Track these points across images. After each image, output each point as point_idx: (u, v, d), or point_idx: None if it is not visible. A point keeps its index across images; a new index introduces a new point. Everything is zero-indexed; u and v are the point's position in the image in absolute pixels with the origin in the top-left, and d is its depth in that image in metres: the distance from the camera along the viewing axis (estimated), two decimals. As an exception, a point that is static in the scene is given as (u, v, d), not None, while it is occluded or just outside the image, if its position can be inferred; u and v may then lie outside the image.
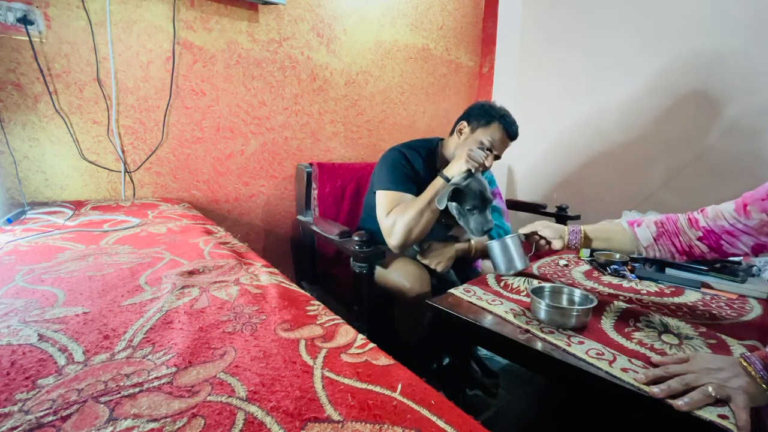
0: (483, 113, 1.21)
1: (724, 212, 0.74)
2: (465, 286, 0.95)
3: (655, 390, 0.55)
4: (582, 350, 0.66)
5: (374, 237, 1.19)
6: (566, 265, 1.15)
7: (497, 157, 1.22)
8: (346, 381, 0.42)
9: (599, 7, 1.93)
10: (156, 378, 0.40)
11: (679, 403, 0.53)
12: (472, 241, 1.27)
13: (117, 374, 0.40)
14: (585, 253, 1.24)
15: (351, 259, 1.16)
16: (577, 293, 0.83)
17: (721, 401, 0.53)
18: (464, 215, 1.07)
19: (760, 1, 1.47)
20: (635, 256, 0.88)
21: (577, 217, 1.78)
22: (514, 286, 0.95)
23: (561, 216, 1.77)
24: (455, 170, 1.09)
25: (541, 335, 0.71)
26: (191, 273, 0.69)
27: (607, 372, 0.61)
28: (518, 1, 2.29)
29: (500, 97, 2.40)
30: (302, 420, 0.36)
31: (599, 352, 0.66)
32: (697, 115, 1.65)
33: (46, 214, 1.04)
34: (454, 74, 2.37)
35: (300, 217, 1.63)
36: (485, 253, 1.24)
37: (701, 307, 0.86)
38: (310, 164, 1.60)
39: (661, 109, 1.76)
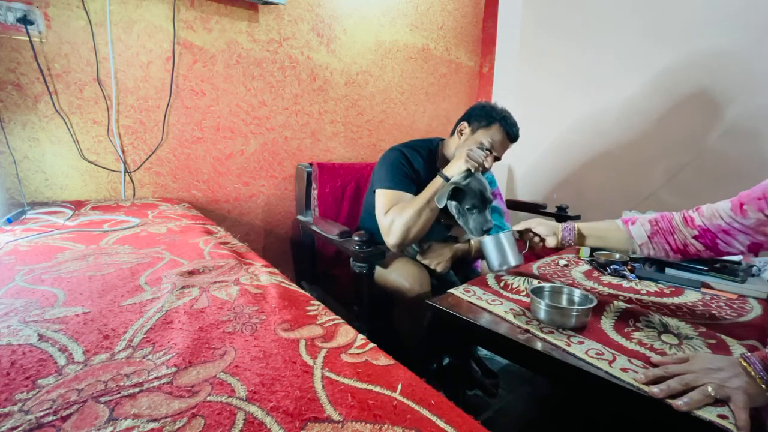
0: (484, 114, 1.21)
1: (720, 211, 0.74)
2: (465, 286, 0.95)
3: (654, 390, 0.55)
4: (582, 350, 0.66)
5: (374, 237, 1.19)
6: (566, 265, 1.15)
7: (497, 159, 1.22)
8: (346, 381, 0.42)
9: (599, 8, 1.93)
10: (156, 378, 0.40)
11: (679, 403, 0.53)
12: (472, 242, 1.27)
13: (117, 374, 0.40)
14: (585, 253, 1.24)
15: (351, 259, 1.17)
16: (577, 293, 0.83)
17: (720, 401, 0.53)
18: (464, 215, 1.07)
19: (761, 1, 1.47)
20: (631, 254, 0.88)
21: (577, 217, 1.78)
22: (513, 286, 0.95)
23: (561, 216, 1.77)
24: (454, 170, 1.09)
25: (541, 335, 0.71)
26: (191, 273, 0.69)
27: (606, 372, 0.61)
28: (518, 1, 2.29)
29: (500, 97, 2.40)
30: (302, 420, 0.36)
31: (599, 352, 0.66)
32: (697, 116, 1.65)
33: (46, 214, 1.04)
34: (454, 74, 2.36)
35: (300, 217, 1.63)
36: (485, 253, 1.24)
37: (701, 307, 0.86)
38: (310, 164, 1.60)
39: (662, 110, 1.76)
